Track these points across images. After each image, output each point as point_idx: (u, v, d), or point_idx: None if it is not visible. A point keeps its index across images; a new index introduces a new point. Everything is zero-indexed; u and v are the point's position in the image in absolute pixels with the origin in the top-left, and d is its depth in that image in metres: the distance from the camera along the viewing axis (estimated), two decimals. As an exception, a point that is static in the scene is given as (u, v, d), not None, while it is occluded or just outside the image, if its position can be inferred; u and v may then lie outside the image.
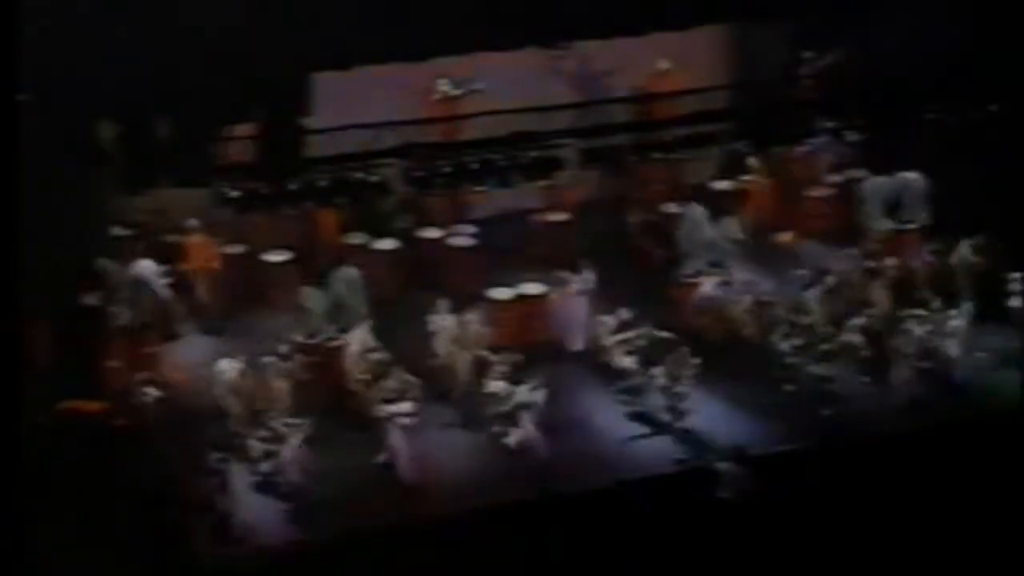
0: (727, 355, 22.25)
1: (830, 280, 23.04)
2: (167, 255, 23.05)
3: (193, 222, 23.32)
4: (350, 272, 22.61)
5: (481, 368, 21.35)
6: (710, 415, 21.17)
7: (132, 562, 17.91)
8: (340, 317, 22.21)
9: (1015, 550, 19.17)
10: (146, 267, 22.58)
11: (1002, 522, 19.39)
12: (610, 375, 22.03)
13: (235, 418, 20.49)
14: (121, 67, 19.60)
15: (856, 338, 21.91)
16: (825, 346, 21.74)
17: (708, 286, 23.23)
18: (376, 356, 21.16)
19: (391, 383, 20.46)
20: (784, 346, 21.88)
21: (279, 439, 19.85)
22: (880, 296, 23.10)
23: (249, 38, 20.28)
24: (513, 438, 20.35)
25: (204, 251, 23.50)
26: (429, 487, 19.85)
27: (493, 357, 21.20)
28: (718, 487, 19.61)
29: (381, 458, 19.99)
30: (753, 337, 22.70)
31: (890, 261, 23.76)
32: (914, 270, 23.84)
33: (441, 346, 21.85)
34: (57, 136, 19.14)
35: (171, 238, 23.42)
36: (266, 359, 20.93)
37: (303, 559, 18.61)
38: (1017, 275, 22.81)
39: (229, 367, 20.89)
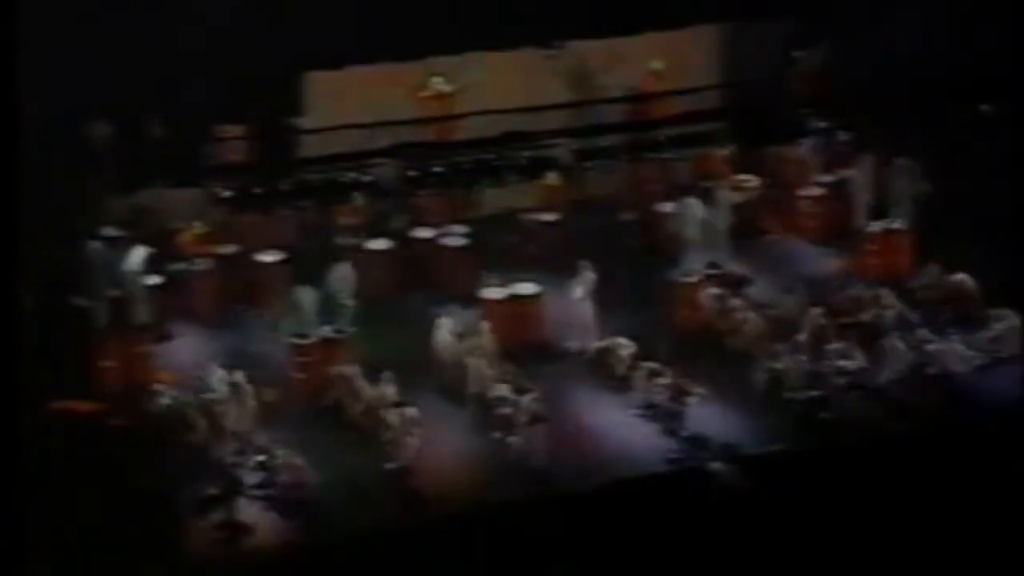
0: (724, 355, 22.29)
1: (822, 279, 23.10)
2: (159, 253, 22.97)
3: (186, 220, 23.27)
4: (344, 270, 22.60)
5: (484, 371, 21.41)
6: (704, 415, 21.17)
7: (131, 562, 17.90)
8: (332, 316, 22.16)
9: (1013, 551, 19.23)
10: (137, 256, 22.35)
11: (1000, 523, 19.46)
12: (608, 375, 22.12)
13: (233, 417, 20.49)
14: (116, 68, 19.66)
15: (850, 338, 22.00)
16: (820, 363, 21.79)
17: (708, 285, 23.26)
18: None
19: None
20: (779, 346, 21.95)
21: (279, 438, 19.89)
22: (873, 295, 23.15)
23: (243, 38, 20.38)
24: (516, 440, 20.33)
25: (197, 249, 23.46)
26: (429, 487, 19.84)
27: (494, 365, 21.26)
28: (711, 487, 19.65)
29: (387, 461, 19.97)
30: (748, 336, 22.70)
31: (882, 259, 23.81)
32: (907, 269, 23.90)
33: (444, 348, 21.86)
34: (53, 136, 19.17)
35: (164, 236, 23.37)
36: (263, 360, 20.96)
37: (303, 559, 18.61)
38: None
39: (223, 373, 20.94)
